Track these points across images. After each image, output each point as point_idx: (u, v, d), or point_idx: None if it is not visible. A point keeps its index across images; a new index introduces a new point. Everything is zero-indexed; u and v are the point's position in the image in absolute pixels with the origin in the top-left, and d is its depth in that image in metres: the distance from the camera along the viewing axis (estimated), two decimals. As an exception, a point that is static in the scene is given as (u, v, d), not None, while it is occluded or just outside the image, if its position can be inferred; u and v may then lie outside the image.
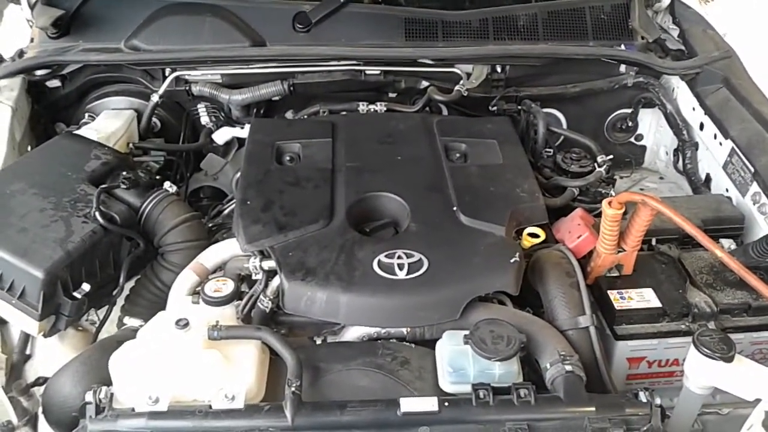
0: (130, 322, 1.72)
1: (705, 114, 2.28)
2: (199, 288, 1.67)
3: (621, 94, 2.55)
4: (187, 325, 1.48)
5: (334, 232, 1.72)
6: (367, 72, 2.38)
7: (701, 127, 2.32)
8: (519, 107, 2.40)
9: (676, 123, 2.44)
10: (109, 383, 1.46)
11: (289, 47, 2.32)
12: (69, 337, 1.82)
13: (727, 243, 1.95)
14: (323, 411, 1.39)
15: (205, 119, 2.52)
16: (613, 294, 1.74)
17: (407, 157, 1.97)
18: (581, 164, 2.08)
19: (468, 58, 2.33)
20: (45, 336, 1.70)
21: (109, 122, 2.31)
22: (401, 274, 1.61)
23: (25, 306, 1.62)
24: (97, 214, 1.74)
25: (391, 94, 2.48)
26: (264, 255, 1.70)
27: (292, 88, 2.37)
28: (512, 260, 1.66)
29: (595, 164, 2.07)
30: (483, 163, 1.97)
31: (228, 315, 1.57)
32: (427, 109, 2.41)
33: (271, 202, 1.80)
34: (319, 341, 1.70)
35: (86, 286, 1.69)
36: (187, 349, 1.45)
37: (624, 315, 1.70)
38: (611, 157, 2.11)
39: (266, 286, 1.68)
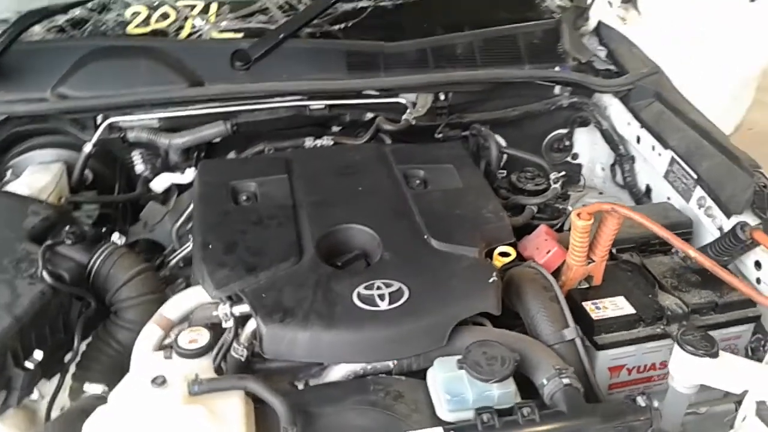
0: (91, 388, 1.57)
1: (641, 127, 2.38)
2: (168, 341, 1.56)
3: (557, 115, 2.62)
4: (164, 382, 1.37)
5: (307, 269, 1.66)
6: (312, 107, 2.34)
7: (638, 140, 2.42)
8: (464, 132, 2.42)
9: (612, 139, 2.53)
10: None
11: (231, 85, 2.26)
12: (10, 417, 1.65)
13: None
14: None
15: (140, 167, 2.40)
16: (587, 305, 1.74)
17: (368, 187, 1.93)
18: (536, 182, 2.11)
19: (413, 86, 2.33)
20: (-5, 413, 1.53)
21: (37, 177, 2.16)
22: (383, 305, 1.56)
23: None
24: (44, 273, 1.60)
25: (335, 128, 2.45)
26: (234, 300, 1.61)
27: (235, 128, 2.29)
28: (490, 280, 1.65)
29: (550, 182, 2.11)
30: (443, 187, 1.96)
31: (205, 367, 1.47)
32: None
33: (235, 244, 1.71)
34: (301, 386, 1.62)
35: (38, 354, 1.54)
36: (168, 408, 1.35)
37: (602, 324, 1.70)
38: (564, 173, 2.15)
39: (238, 333, 1.59)
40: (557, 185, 2.07)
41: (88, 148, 2.21)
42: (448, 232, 1.77)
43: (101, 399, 1.51)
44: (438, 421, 1.43)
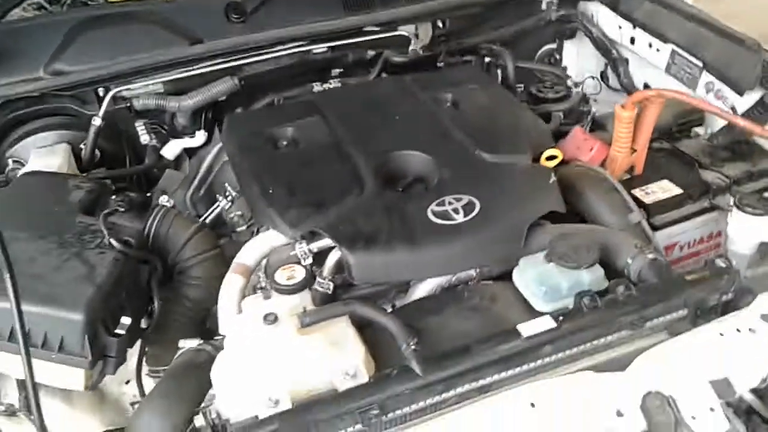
0: (187, 343, 1.55)
1: (635, 28, 2.45)
2: (259, 284, 1.55)
3: (545, 31, 2.66)
4: (276, 319, 1.37)
5: (372, 197, 1.67)
6: (314, 51, 2.31)
7: (632, 41, 2.49)
8: (465, 58, 2.44)
9: (604, 45, 2.59)
10: (194, 412, 1.33)
11: (233, 38, 2.20)
12: (83, 399, 1.62)
13: (701, 130, 2.12)
14: (450, 359, 1.34)
15: (145, 137, 2.31)
16: (636, 192, 1.83)
17: (404, 116, 1.94)
18: (556, 90, 2.16)
19: (413, 16, 2.33)
20: (88, 389, 1.49)
21: (46, 161, 2.07)
22: (459, 218, 1.59)
23: (69, 357, 1.42)
24: (112, 240, 1.56)
25: (337, 71, 2.42)
26: (309, 237, 1.61)
27: (242, 83, 2.24)
28: (551, 181, 1.70)
29: (569, 88, 2.16)
30: (475, 106, 1.99)
31: (306, 300, 1.46)
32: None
33: (295, 185, 1.70)
34: (389, 308, 1.64)
35: (126, 320, 1.51)
36: (286, 342, 1.35)
37: (655, 207, 1.79)
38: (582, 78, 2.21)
39: (320, 267, 1.59)
40: (579, 89, 2.13)
41: (97, 121, 2.13)
42: (495, 144, 1.81)
43: (201, 351, 1.50)
44: (536, 314, 1.49)
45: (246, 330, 1.39)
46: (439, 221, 1.59)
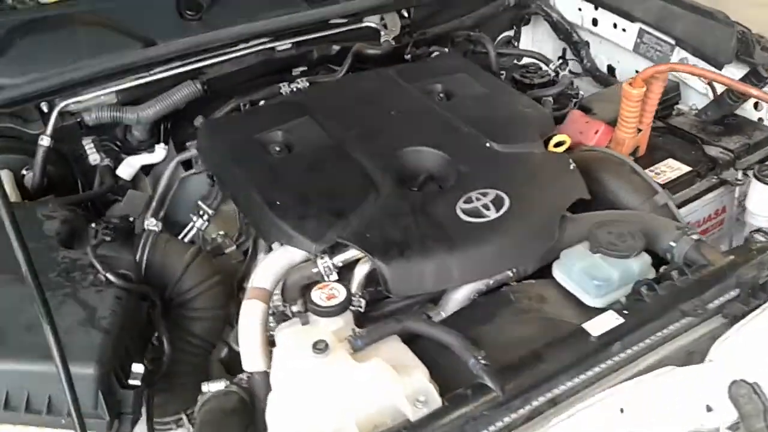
0: (212, 386, 1.35)
1: (597, 8, 2.43)
2: (277, 308, 1.39)
3: (503, 17, 2.61)
4: (327, 346, 1.21)
5: (393, 199, 1.53)
6: (279, 48, 2.13)
7: (594, 23, 2.48)
8: (431, 49, 2.33)
9: (564, 29, 2.57)
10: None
11: (196, 37, 1.97)
12: None
13: (685, 107, 2.12)
14: (524, 369, 1.23)
15: (95, 157, 2.05)
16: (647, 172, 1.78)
17: (399, 110, 1.81)
18: (541, 75, 2.10)
19: (382, 5, 2.19)
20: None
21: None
22: (492, 214, 1.49)
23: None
24: (110, 276, 1.34)
25: (299, 69, 2.25)
26: (331, 251, 1.45)
27: (205, 86, 2.03)
28: (571, 167, 1.63)
29: (552, 71, 2.11)
30: (469, 95, 1.89)
31: (349, 321, 1.31)
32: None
33: (304, 194, 1.54)
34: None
35: (138, 368, 1.29)
36: (347, 371, 1.19)
37: (668, 187, 1.75)
38: (561, 60, 2.15)
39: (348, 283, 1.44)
40: (566, 72, 2.07)
41: (45, 141, 1.86)
42: (504, 134, 1.72)
43: (231, 394, 1.31)
44: (589, 309, 1.41)
45: (293, 363, 1.22)
46: (472, 219, 1.47)
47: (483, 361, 1.22)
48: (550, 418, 1.22)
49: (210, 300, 1.53)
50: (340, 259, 1.45)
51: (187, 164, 2.01)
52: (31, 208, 1.52)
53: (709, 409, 1.22)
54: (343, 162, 1.63)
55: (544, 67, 2.16)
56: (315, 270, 1.45)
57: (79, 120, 1.94)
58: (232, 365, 1.60)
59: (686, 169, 1.79)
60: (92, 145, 2.03)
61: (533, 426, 1.20)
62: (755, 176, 1.62)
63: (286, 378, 1.21)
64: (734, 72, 2.01)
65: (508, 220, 1.48)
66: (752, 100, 1.99)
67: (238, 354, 1.44)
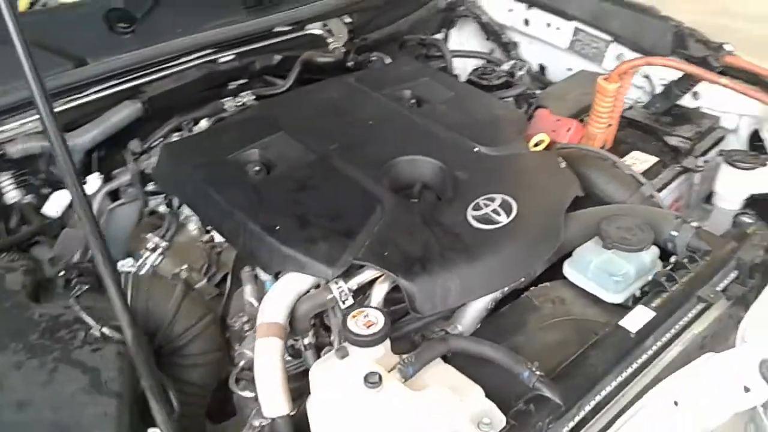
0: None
1: (529, 8, 2.47)
2: (306, 341, 1.27)
3: (433, 20, 2.59)
4: (380, 379, 1.10)
5: (398, 212, 1.44)
6: (221, 60, 1.98)
7: (526, 23, 2.51)
8: (373, 54, 2.26)
9: (493, 30, 2.58)
10: None
11: (134, 53, 1.79)
12: None
13: (630, 101, 2.19)
14: (574, 374, 1.19)
15: (14, 194, 1.80)
16: (618, 167, 1.82)
17: (376, 120, 1.72)
18: (497, 76, 2.09)
19: (325, 12, 2.10)
20: None
21: None
22: (503, 219, 1.44)
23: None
24: (104, 330, 1.15)
25: (237, 83, 2.10)
26: (344, 275, 1.34)
27: (146, 106, 1.84)
28: (562, 165, 1.62)
29: (510, 72, 2.10)
30: (440, 100, 1.83)
31: (388, 347, 1.21)
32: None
33: (302, 216, 1.41)
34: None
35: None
36: (408, 402, 1.09)
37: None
38: (515, 60, 2.15)
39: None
40: (523, 72, 2.07)
41: (-34, 182, 1.60)
42: (488, 137, 1.68)
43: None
44: (609, 306, 1.40)
45: (343, 401, 1.10)
46: (485, 227, 1.42)
47: (538, 372, 1.17)
48: (605, 420, 1.20)
49: (205, 343, 1.37)
50: (355, 282, 1.34)
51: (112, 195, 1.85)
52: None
53: (746, 389, 1.24)
54: (334, 178, 1.52)
55: (505, 67, 2.15)
56: (329, 296, 1.33)
57: (1, 153, 1.68)
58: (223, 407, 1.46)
59: (653, 159, 1.84)
60: (11, 180, 1.78)
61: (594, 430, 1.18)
62: (726, 161, 1.69)
63: (335, 419, 1.09)
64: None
65: (519, 224, 1.44)
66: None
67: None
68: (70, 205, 1.84)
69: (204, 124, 1.94)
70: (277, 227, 1.38)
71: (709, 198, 1.88)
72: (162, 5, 1.92)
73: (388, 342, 1.21)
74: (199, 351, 1.36)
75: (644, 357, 1.28)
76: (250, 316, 1.49)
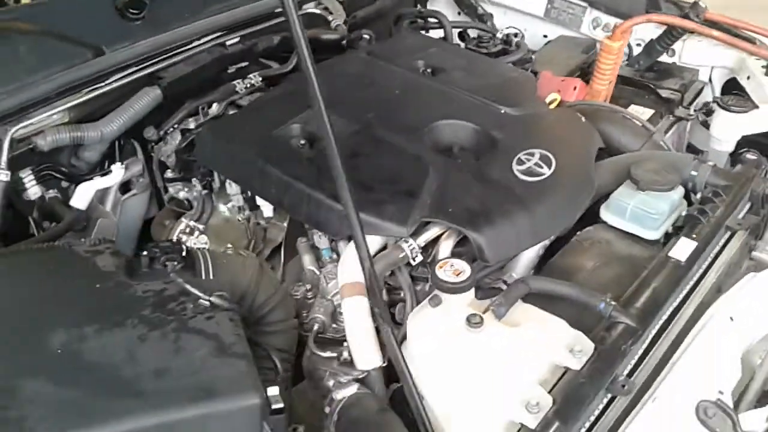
0: (339, 394, 1.26)
1: (505, -20, 2.58)
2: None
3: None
4: (481, 320, 1.19)
5: (450, 171, 1.53)
6: (229, 43, 1.99)
7: (499, -4, 2.62)
8: (365, 33, 2.31)
9: (469, 2, 2.68)
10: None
11: (153, 40, 1.80)
12: None
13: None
14: (641, 302, 1.31)
15: (35, 190, 1.77)
16: (623, 117, 1.95)
17: (402, 89, 1.79)
18: (495, 44, 2.19)
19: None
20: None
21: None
22: (547, 170, 1.55)
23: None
24: (214, 299, 1.18)
25: (237, 66, 2.11)
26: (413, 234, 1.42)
27: (166, 92, 1.84)
28: (583, 120, 1.74)
29: (506, 38, 2.21)
30: (455, 67, 1.91)
31: (471, 294, 1.30)
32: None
33: (363, 182, 1.47)
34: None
35: (274, 390, 1.15)
36: (512, 339, 1.19)
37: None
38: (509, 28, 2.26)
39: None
40: (520, 39, 2.18)
41: (2, 175, 1.57)
42: (510, 99, 1.78)
43: (368, 396, 1.25)
44: (649, 243, 1.53)
45: (448, 345, 1.18)
46: (531, 179, 1.52)
47: (613, 303, 1.28)
48: (670, 338, 1.33)
49: (285, 310, 1.41)
50: (423, 239, 1.42)
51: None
52: (66, 248, 1.29)
53: (786, 304, 1.40)
54: (380, 145, 1.59)
55: (499, 35, 2.26)
56: (401, 255, 1.40)
57: (31, 146, 1.65)
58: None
59: (650, 111, 1.99)
60: (32, 176, 1.75)
61: (663, 348, 1.31)
62: (719, 105, 1.86)
63: (439, 362, 1.17)
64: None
65: (560, 174, 1.55)
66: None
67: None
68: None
69: (215, 108, 1.96)
70: (343, 193, 1.43)
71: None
72: (166, -7, 1.91)
73: (471, 290, 1.30)
74: (279, 318, 1.39)
75: (692, 282, 1.43)
76: (312, 283, 1.54)
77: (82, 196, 1.77)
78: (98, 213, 1.83)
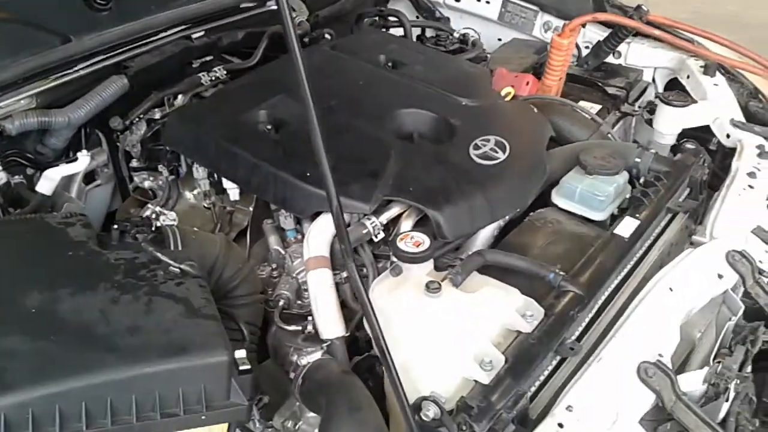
0: (304, 360, 1.32)
1: (460, -15, 2.69)
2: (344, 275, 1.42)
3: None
4: (439, 287, 1.27)
5: (410, 155, 1.61)
6: (194, 36, 2.05)
7: (457, -1, 2.74)
8: (326, 32, 2.39)
9: (426, 6, 2.78)
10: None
11: (120, 29, 1.83)
12: None
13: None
14: (588, 273, 1.41)
15: (0, 176, 1.79)
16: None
17: (365, 80, 1.87)
18: (452, 42, 2.29)
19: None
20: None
21: None
22: (502, 155, 1.64)
23: (223, 412, 1.10)
24: (183, 267, 1.23)
25: (200, 60, 2.16)
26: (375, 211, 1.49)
27: (132, 81, 1.88)
28: (535, 111, 1.84)
29: (463, 37, 2.31)
30: (414, 62, 2.00)
31: (430, 264, 1.37)
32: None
33: (330, 162, 1.53)
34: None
35: (242, 353, 1.21)
36: (467, 303, 1.27)
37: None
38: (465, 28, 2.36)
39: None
40: (477, 38, 2.28)
41: (-26, 160, 1.59)
42: (469, 91, 1.87)
43: (331, 361, 1.31)
44: (597, 224, 1.63)
45: (409, 310, 1.25)
46: (487, 162, 1.61)
47: (562, 273, 1.37)
48: (615, 308, 1.44)
49: (251, 285, 1.46)
50: (385, 217, 1.49)
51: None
52: (39, 221, 1.32)
53: (720, 276, 1.51)
54: (344, 130, 1.66)
55: (456, 35, 2.36)
56: (364, 231, 1.47)
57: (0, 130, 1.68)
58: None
59: (598, 107, 2.11)
60: (-3, 162, 1.77)
61: (609, 317, 1.40)
62: (661, 101, 1.99)
63: (400, 327, 1.23)
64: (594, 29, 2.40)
65: (514, 159, 1.64)
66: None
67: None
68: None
69: (180, 99, 2.01)
70: (308, 174, 1.50)
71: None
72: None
73: (430, 261, 1.38)
74: (246, 292, 1.44)
75: (635, 258, 1.53)
76: (277, 263, 1.60)
77: (48, 182, 1.79)
78: (64, 199, 1.85)
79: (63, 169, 1.82)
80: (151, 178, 1.96)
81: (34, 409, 0.98)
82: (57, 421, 0.99)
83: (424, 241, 1.35)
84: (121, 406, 1.03)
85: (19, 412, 0.97)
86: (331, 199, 1.04)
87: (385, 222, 1.49)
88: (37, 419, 0.98)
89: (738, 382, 1.38)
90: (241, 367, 1.18)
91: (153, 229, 1.35)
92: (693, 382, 1.34)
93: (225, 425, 1.14)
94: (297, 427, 1.38)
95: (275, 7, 2.20)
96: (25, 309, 1.09)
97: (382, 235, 1.48)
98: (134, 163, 1.98)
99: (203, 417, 1.09)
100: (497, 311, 1.27)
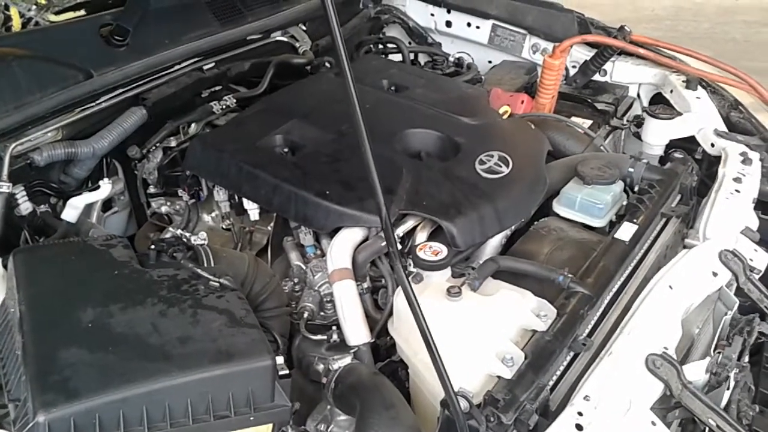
0: (336, 364, 1.41)
1: (449, 12, 2.82)
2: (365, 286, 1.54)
3: (365, 26, 2.87)
4: (459, 291, 1.36)
5: (422, 171, 1.71)
6: (206, 68, 2.15)
7: (448, 25, 2.86)
8: (326, 60, 2.51)
9: (419, 32, 2.91)
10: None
11: (139, 63, 1.94)
12: None
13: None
14: (594, 275, 1.51)
15: (27, 206, 1.87)
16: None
17: (371, 104, 1.97)
18: (448, 65, 2.41)
19: (289, 21, 2.33)
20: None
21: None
22: (505, 169, 1.75)
23: (269, 413, 1.18)
24: (223, 281, 1.32)
25: (210, 90, 2.27)
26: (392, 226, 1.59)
27: (150, 111, 1.98)
28: (533, 128, 1.96)
29: (458, 60, 2.43)
30: (415, 85, 2.12)
31: (447, 273, 1.47)
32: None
33: (345, 181, 1.64)
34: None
35: (280, 359, 1.29)
36: (487, 305, 1.36)
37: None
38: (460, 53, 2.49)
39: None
40: (471, 61, 2.41)
41: (5, 187, 1.67)
42: (469, 110, 1.99)
43: (360, 365, 1.40)
44: (597, 231, 1.74)
45: (431, 315, 1.33)
46: (493, 176, 1.72)
47: (570, 276, 1.48)
48: (621, 306, 1.54)
49: (278, 298, 1.55)
50: (401, 230, 1.59)
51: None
52: (79, 244, 1.41)
53: (714, 274, 1.62)
54: (357, 151, 1.75)
55: (451, 59, 2.49)
56: (382, 244, 1.56)
57: (28, 161, 1.76)
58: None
59: (589, 122, 2.24)
60: (24, 192, 1.85)
61: (615, 314, 1.51)
62: (649, 114, 2.12)
63: (430, 327, 1.32)
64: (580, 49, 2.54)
65: (517, 172, 1.75)
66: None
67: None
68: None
69: (194, 127, 2.11)
70: (327, 192, 1.60)
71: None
72: (147, 20, 2.05)
73: (447, 269, 1.47)
74: (275, 305, 1.53)
75: (636, 260, 1.64)
76: (299, 278, 1.69)
77: (73, 210, 1.88)
78: (87, 225, 1.94)
79: (87, 197, 1.91)
80: (168, 204, 2.05)
81: (101, 414, 1.05)
82: (121, 426, 1.07)
83: (442, 250, 1.45)
84: (177, 410, 1.11)
85: (86, 417, 1.05)
86: (381, 209, 1.13)
87: (401, 234, 1.59)
88: (103, 424, 1.06)
89: (737, 371, 1.49)
90: (281, 372, 1.28)
91: (187, 247, 1.44)
92: (696, 372, 1.44)
93: (270, 425, 1.22)
94: (329, 429, 1.46)
95: (282, 38, 2.36)
96: (81, 324, 1.18)
97: (399, 247, 1.58)
98: (151, 190, 2.07)
99: (251, 418, 1.17)
100: (514, 312, 1.37)
